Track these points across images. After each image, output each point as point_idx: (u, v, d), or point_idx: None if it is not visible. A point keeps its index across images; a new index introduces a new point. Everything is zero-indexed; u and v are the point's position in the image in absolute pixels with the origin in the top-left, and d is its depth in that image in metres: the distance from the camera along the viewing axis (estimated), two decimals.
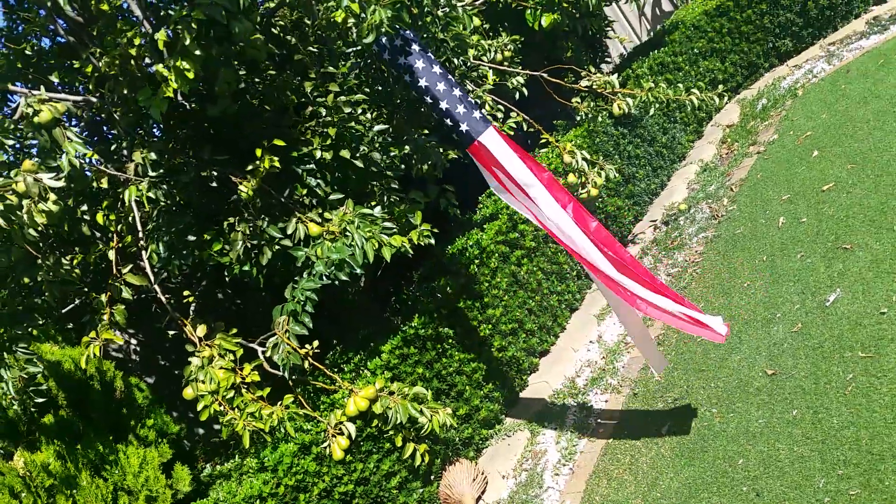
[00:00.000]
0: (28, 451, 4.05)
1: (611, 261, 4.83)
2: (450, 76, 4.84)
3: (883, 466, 3.98)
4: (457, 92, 4.80)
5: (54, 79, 5.55)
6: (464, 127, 4.81)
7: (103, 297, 4.53)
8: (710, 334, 4.74)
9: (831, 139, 7.36)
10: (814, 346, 5.07)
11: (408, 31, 4.75)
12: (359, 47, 5.48)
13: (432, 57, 4.80)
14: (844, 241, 5.80)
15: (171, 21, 4.09)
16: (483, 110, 6.75)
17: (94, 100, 4.77)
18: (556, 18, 7.53)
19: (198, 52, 4.04)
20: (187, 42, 3.96)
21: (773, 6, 9.97)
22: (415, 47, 4.75)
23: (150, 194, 4.61)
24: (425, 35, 5.10)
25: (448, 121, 4.82)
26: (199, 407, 4.26)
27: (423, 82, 4.74)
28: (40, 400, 4.02)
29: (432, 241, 5.06)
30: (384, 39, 4.71)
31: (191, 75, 4.04)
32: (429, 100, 4.78)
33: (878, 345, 4.71)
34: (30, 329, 4.18)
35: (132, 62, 4.36)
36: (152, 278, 4.88)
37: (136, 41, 4.43)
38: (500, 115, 6.79)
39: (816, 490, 4.13)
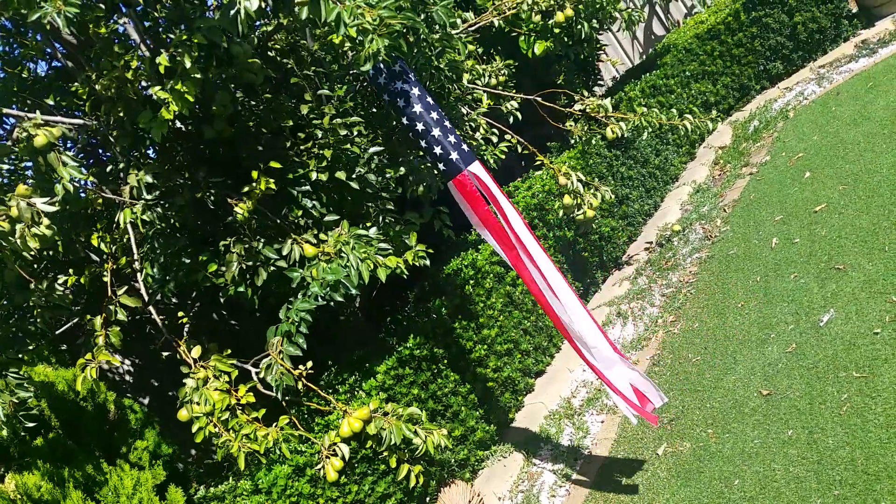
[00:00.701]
0: (19, 475, 4.02)
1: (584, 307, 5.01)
2: (440, 108, 4.91)
3: (879, 486, 3.97)
4: (447, 123, 4.87)
5: (50, 102, 5.58)
6: (454, 156, 4.86)
7: (98, 320, 4.52)
8: (641, 412, 4.92)
9: (823, 160, 7.43)
10: (808, 367, 5.08)
11: (402, 61, 4.81)
12: (355, 70, 5.54)
13: (416, 94, 4.86)
14: (837, 261, 5.84)
15: (172, 45, 4.14)
16: (478, 133, 6.82)
17: (90, 123, 4.79)
18: (549, 46, 7.63)
19: (197, 76, 4.07)
20: (187, 65, 4.00)
21: (763, 30, 10.11)
22: (411, 76, 4.82)
23: (145, 217, 4.62)
24: (422, 61, 5.16)
25: (438, 149, 4.84)
26: (194, 429, 4.24)
27: (417, 108, 4.79)
28: (31, 425, 3.99)
29: (427, 262, 5.07)
30: (373, 73, 4.77)
31: (190, 98, 4.07)
32: (420, 126, 4.82)
33: (872, 365, 4.73)
34: (20, 354, 4.16)
35: (129, 85, 4.40)
36: (146, 299, 4.88)
37: (133, 64, 4.47)
38: (494, 138, 6.84)
39: None
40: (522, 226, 5.00)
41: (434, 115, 4.82)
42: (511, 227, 4.98)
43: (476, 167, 4.91)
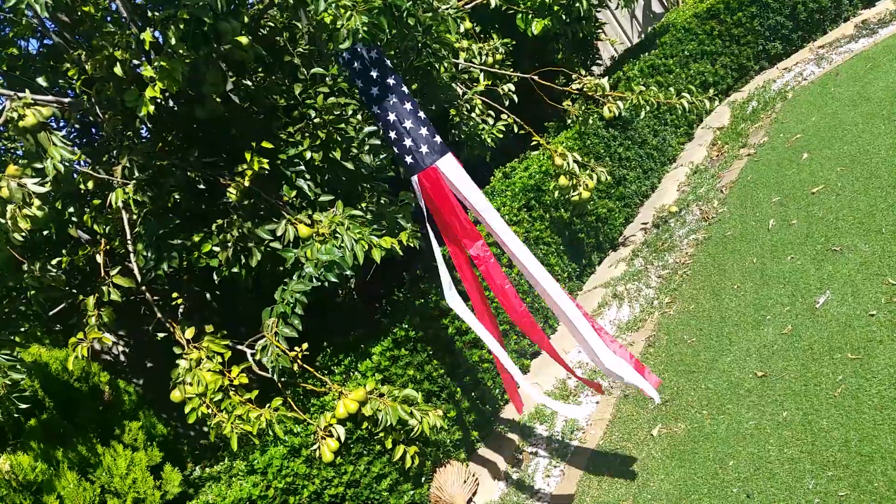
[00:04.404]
0: (13, 455, 4.02)
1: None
2: (415, 99, 4.78)
3: (872, 467, 3.99)
4: (421, 114, 4.74)
5: (42, 81, 5.51)
6: (424, 149, 4.73)
7: (91, 300, 4.50)
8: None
9: (821, 142, 7.39)
10: (804, 348, 5.08)
11: (379, 49, 4.71)
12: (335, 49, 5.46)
13: (391, 83, 4.72)
14: (834, 243, 5.82)
15: (158, 20, 4.08)
16: (474, 112, 6.76)
17: (81, 101, 4.74)
18: (547, 24, 7.54)
19: (183, 52, 4.02)
20: (173, 42, 3.95)
21: (763, 9, 10.02)
22: (373, 73, 4.69)
23: (137, 197, 4.58)
24: (407, 40, 5.07)
25: (408, 141, 4.72)
26: (187, 409, 4.23)
27: (392, 98, 4.67)
28: (24, 406, 3.98)
29: (422, 243, 5.05)
30: (358, 47, 4.65)
31: (177, 76, 4.02)
32: (392, 117, 4.70)
33: (868, 346, 4.73)
34: (12, 336, 4.14)
35: (118, 65, 4.33)
36: (140, 280, 4.85)
37: (120, 44, 4.41)
38: (490, 119, 6.78)
39: (806, 491, 4.13)
40: (500, 220, 4.94)
41: (408, 105, 4.70)
42: (486, 221, 4.91)
43: (447, 161, 4.78)
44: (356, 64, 4.68)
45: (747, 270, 6.31)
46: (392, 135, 4.75)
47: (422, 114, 4.78)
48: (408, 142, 4.72)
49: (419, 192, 4.87)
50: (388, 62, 4.76)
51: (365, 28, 3.74)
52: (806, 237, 6.13)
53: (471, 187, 4.83)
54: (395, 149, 4.81)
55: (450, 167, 4.78)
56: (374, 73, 4.68)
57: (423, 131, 4.74)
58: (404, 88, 4.75)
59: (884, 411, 4.24)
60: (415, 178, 4.81)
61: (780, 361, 5.13)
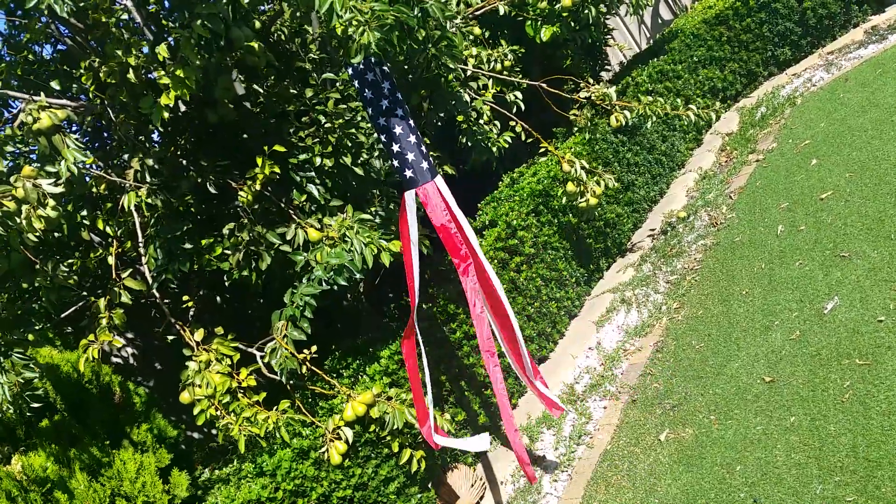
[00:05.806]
0: (25, 456, 4.06)
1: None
2: (410, 121, 4.83)
3: (880, 473, 3.98)
4: (411, 139, 4.79)
5: (55, 86, 5.58)
6: (408, 174, 4.81)
7: (102, 302, 4.55)
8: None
9: (830, 148, 7.38)
10: (812, 354, 5.08)
11: (385, 67, 4.76)
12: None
13: (399, 97, 4.79)
14: (842, 249, 5.81)
15: (172, 32, 4.14)
16: (482, 120, 6.79)
17: (94, 105, 4.79)
18: (556, 31, 7.56)
19: (197, 62, 4.07)
20: (187, 53, 4.00)
21: (771, 15, 10.02)
22: (385, 85, 4.74)
23: (149, 200, 4.63)
24: (419, 55, 5.10)
25: (411, 156, 4.80)
26: (196, 411, 4.27)
27: (381, 121, 4.75)
28: (36, 405, 4.03)
29: (431, 249, 5.08)
30: (372, 59, 4.69)
31: (191, 83, 4.07)
32: (398, 130, 4.77)
33: (876, 352, 4.72)
34: (26, 335, 4.19)
35: (131, 71, 4.39)
36: (150, 283, 4.90)
37: (134, 51, 4.47)
38: (497, 128, 6.81)
39: (814, 496, 4.13)
40: (475, 243, 5.11)
41: (411, 122, 4.78)
42: (468, 242, 5.07)
43: (432, 186, 4.87)
44: (368, 75, 4.71)
45: (756, 276, 6.31)
46: (395, 148, 4.79)
47: (411, 137, 4.83)
48: (411, 156, 4.79)
49: (411, 206, 4.90)
50: (388, 84, 4.79)
51: (376, 43, 3.78)
52: (814, 243, 6.12)
53: (456, 209, 4.97)
54: (396, 161, 4.86)
55: (442, 187, 4.92)
56: (385, 86, 4.72)
57: (423, 149, 4.84)
58: (398, 111, 4.80)
59: (891, 417, 4.23)
60: (411, 193, 4.87)
61: (787, 367, 5.12)
